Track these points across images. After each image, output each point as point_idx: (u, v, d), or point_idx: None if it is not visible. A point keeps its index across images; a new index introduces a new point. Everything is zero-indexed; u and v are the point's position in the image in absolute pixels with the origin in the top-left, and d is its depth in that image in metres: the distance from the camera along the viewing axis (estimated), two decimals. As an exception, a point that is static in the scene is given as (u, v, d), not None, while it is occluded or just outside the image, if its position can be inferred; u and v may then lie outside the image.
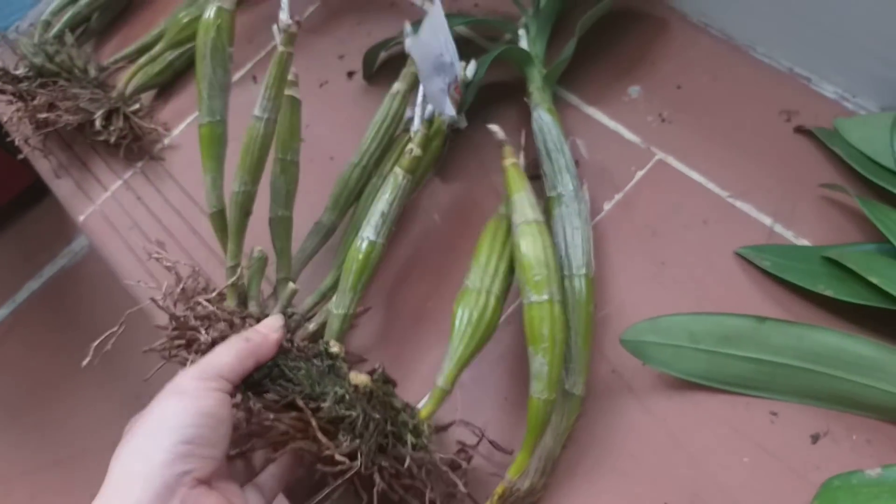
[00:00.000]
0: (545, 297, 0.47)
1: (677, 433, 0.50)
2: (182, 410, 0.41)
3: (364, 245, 0.54)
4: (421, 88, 0.61)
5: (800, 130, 0.58)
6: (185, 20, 0.76)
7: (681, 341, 0.49)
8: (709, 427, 0.49)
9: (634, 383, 0.52)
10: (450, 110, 0.61)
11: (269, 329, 0.48)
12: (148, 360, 0.52)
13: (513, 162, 0.53)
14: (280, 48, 0.57)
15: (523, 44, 0.65)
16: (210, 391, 0.42)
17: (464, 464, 0.51)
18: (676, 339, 0.49)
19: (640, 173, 0.59)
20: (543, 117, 0.60)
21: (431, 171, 0.66)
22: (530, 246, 0.49)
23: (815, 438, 0.48)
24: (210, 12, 0.56)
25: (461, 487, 0.48)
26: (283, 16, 0.57)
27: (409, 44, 0.62)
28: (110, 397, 1.44)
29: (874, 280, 0.47)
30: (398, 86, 0.65)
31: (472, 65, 0.64)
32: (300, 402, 0.46)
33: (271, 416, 0.45)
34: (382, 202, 0.56)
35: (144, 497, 0.38)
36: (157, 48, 0.78)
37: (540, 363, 0.46)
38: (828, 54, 0.58)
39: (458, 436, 0.51)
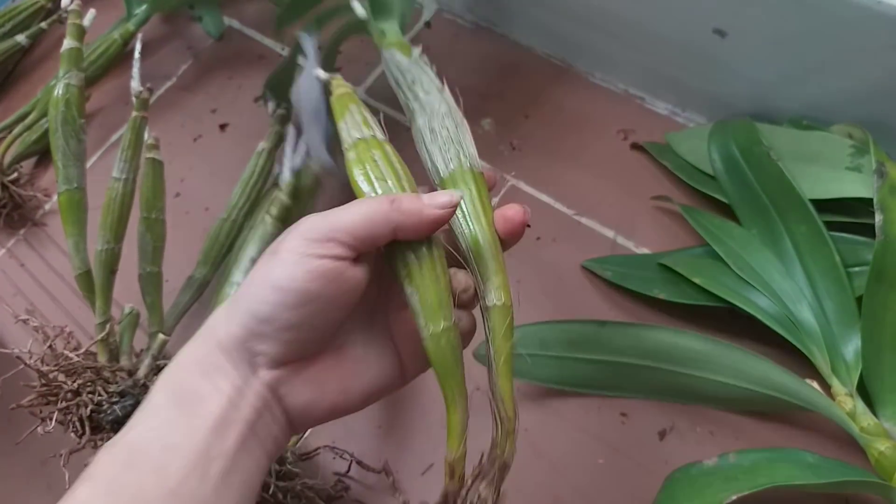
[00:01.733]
0: None
1: (539, 443, 0.52)
2: (260, 280, 0.32)
3: (234, 290, 0.56)
4: (290, 140, 0.63)
5: (635, 147, 0.62)
6: (56, 88, 0.77)
7: (533, 349, 0.52)
8: (566, 433, 0.52)
9: (496, 399, 0.54)
10: (325, 157, 0.64)
11: (430, 201, 0.33)
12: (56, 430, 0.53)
13: (343, 92, 0.43)
14: (134, 113, 0.59)
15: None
16: (306, 258, 0.31)
17: (343, 493, 0.53)
18: (528, 347, 0.52)
19: (494, 199, 0.63)
20: (395, 55, 0.52)
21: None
22: (359, 170, 0.36)
23: (662, 435, 0.51)
24: (59, 88, 0.58)
25: None
26: (135, 83, 0.60)
27: (293, 93, 0.64)
28: (13, 471, 1.40)
29: (698, 281, 0.50)
30: (263, 144, 0.67)
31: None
32: None
33: None
34: (252, 248, 0.58)
35: (222, 363, 0.32)
36: (32, 116, 0.79)
37: (410, 294, 0.34)
38: (656, 75, 0.62)
39: (335, 467, 0.53)
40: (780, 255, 0.50)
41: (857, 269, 0.48)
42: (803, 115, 0.55)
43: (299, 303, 0.31)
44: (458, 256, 0.37)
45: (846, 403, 0.45)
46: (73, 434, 0.52)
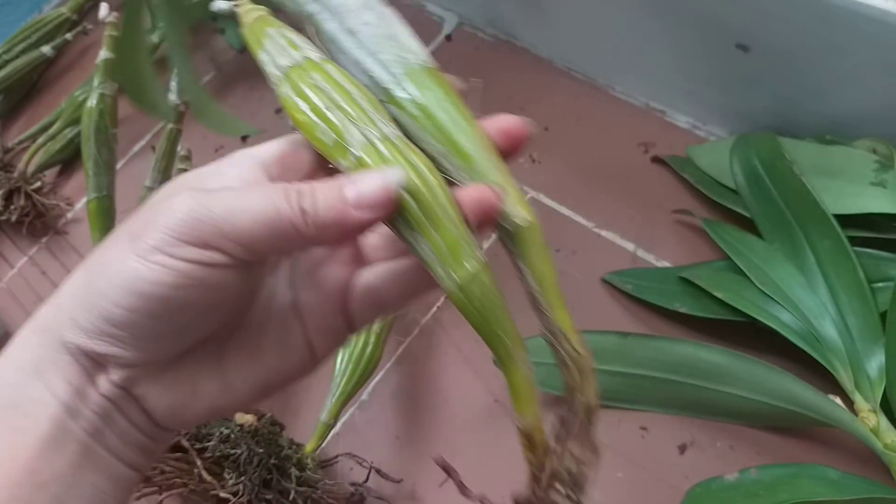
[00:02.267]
0: (352, 157, 0.27)
1: (557, 455, 0.52)
2: (115, 276, 0.25)
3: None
4: None
5: (656, 160, 0.62)
6: (81, 98, 0.78)
7: (551, 359, 0.52)
8: (585, 446, 0.52)
9: (515, 411, 0.54)
10: None
11: (354, 195, 0.25)
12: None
13: (255, 17, 0.33)
14: (170, 125, 0.60)
15: None
16: (175, 261, 0.24)
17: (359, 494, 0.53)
18: (548, 357, 0.51)
19: (514, 211, 0.63)
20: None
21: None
22: (303, 104, 0.28)
23: (682, 449, 0.50)
24: (93, 99, 0.59)
25: None
26: (172, 96, 0.61)
27: None
28: None
29: (719, 295, 0.50)
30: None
31: None
32: (185, 444, 0.48)
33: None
34: None
35: (60, 359, 0.26)
36: (56, 126, 0.80)
37: (413, 242, 0.27)
38: (677, 89, 0.62)
39: (352, 478, 0.53)
40: (803, 270, 0.50)
41: (881, 284, 0.48)
42: (826, 129, 0.55)
43: (164, 312, 0.25)
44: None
45: (869, 420, 0.45)
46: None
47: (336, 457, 0.53)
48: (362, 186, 0.25)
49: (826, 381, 0.47)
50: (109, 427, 0.26)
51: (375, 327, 0.56)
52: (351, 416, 0.58)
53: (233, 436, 0.50)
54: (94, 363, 0.26)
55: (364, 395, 0.59)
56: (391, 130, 0.28)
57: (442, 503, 0.53)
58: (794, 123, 0.57)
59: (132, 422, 0.27)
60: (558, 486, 0.27)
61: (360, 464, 0.52)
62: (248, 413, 0.53)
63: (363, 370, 0.54)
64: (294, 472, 0.50)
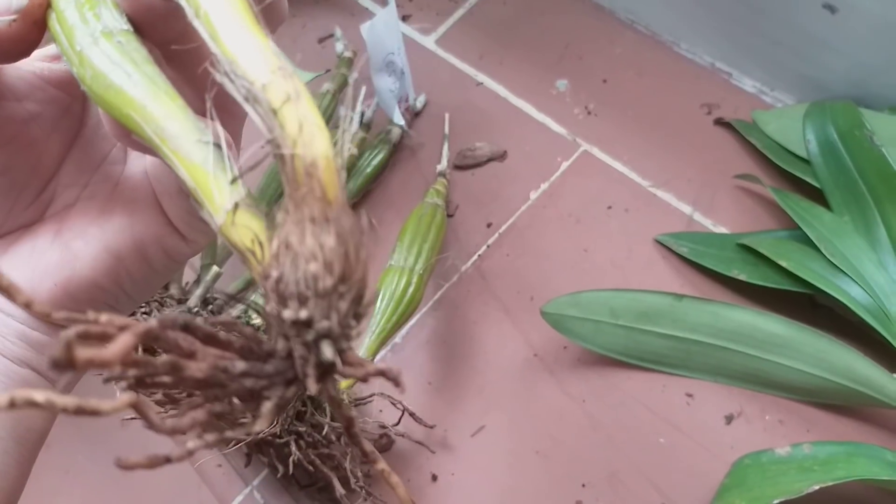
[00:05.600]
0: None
1: (596, 414, 0.50)
2: None
3: None
4: (364, 92, 0.61)
5: (719, 123, 0.59)
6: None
7: (601, 316, 0.50)
8: (626, 408, 0.50)
9: (555, 367, 0.52)
10: (399, 119, 0.62)
11: None
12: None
13: None
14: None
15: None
16: None
17: (389, 447, 0.51)
18: (597, 314, 0.50)
19: (565, 164, 0.60)
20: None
21: (374, 181, 0.65)
22: None
23: (729, 419, 0.49)
24: None
25: (380, 463, 0.48)
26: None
27: (366, 29, 0.62)
28: None
29: (784, 264, 0.48)
30: (328, 86, 0.65)
31: (423, 97, 0.65)
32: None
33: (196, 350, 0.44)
34: None
35: None
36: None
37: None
38: (747, 50, 0.59)
39: (382, 420, 0.51)
40: (875, 245, 0.48)
41: (956, 265, 0.46)
42: (906, 103, 0.52)
43: None
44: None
45: (935, 404, 0.43)
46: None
47: (370, 396, 0.51)
48: None
49: (889, 360, 0.45)
50: None
51: (418, 267, 0.53)
52: (383, 358, 0.56)
53: None
54: None
55: (398, 337, 0.57)
56: None
57: (473, 453, 0.51)
58: (872, 95, 0.54)
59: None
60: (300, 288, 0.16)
61: (395, 405, 0.50)
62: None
63: (404, 310, 0.52)
64: (329, 406, 0.48)
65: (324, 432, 0.48)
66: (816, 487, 0.39)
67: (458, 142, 0.63)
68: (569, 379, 0.52)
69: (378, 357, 0.55)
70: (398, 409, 0.51)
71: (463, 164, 0.62)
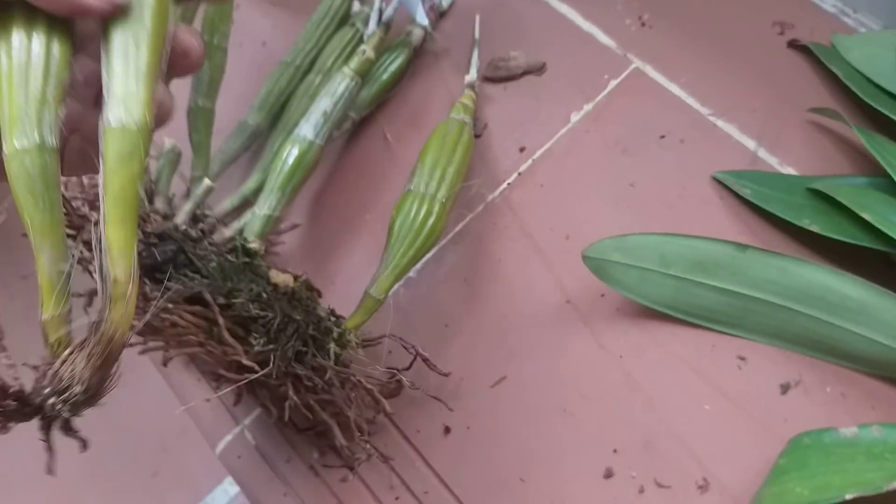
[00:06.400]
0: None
1: (634, 373, 0.45)
2: None
3: (300, 143, 0.48)
4: None
5: (793, 45, 0.51)
6: None
7: (649, 264, 0.44)
8: (669, 368, 0.44)
9: (591, 317, 0.46)
10: (422, 19, 0.54)
11: None
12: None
13: None
14: None
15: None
16: None
17: (397, 392, 0.46)
18: (645, 260, 0.44)
19: (613, 82, 0.53)
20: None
21: (391, 90, 0.57)
22: None
23: (784, 388, 0.43)
24: None
25: (386, 407, 0.43)
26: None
27: None
28: (13, 306, 1.33)
29: (867, 217, 0.42)
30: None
31: None
32: (207, 296, 0.40)
33: (170, 306, 0.38)
34: (325, 101, 0.50)
35: None
36: None
37: None
38: (832, -38, 0.51)
39: (390, 363, 0.45)
40: (976, 202, 0.41)
41: None
42: None
43: None
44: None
45: None
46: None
47: (380, 337, 0.45)
48: None
49: (980, 337, 0.40)
50: None
51: (441, 195, 0.47)
52: (395, 294, 0.50)
53: (265, 295, 0.42)
54: None
55: (413, 271, 0.51)
56: None
57: (492, 405, 0.46)
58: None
59: None
60: (50, 389, 0.26)
61: (407, 349, 0.45)
62: (283, 272, 0.45)
63: (423, 243, 0.46)
64: (333, 348, 0.43)
65: (326, 376, 0.42)
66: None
67: (489, 49, 0.55)
68: (605, 331, 0.46)
69: (391, 292, 0.49)
70: (410, 352, 0.45)
71: (494, 76, 0.54)
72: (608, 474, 0.43)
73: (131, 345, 0.43)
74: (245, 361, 0.41)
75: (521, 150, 0.52)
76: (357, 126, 0.55)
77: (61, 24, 0.27)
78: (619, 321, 0.46)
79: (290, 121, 0.53)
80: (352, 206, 0.54)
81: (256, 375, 0.40)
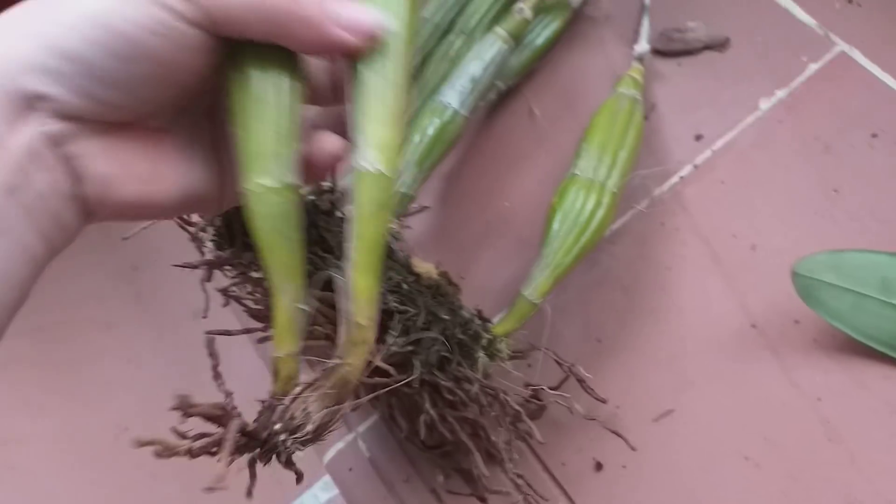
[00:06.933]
0: None
1: (834, 420, 0.37)
2: (73, 7, 0.23)
3: (442, 113, 0.41)
4: None
5: None
6: None
7: (868, 289, 0.36)
8: (878, 419, 0.37)
9: (781, 347, 0.39)
10: None
11: (340, 14, 0.26)
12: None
13: None
14: None
15: None
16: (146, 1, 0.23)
17: (540, 414, 0.39)
18: (864, 285, 0.36)
19: (813, 67, 0.44)
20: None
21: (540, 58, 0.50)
22: None
23: None
24: None
25: (536, 435, 0.37)
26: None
27: None
28: (103, 266, 1.29)
29: None
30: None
31: None
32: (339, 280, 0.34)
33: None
34: (474, 65, 0.43)
35: None
36: None
37: (233, 129, 0.27)
38: None
39: (531, 379, 0.39)
40: None
41: None
42: None
43: (127, 55, 0.23)
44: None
45: None
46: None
47: (531, 348, 0.38)
48: (352, 10, 0.26)
49: None
50: (27, 184, 0.23)
51: (612, 183, 0.40)
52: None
53: (405, 286, 0.35)
54: (16, 105, 0.23)
55: (558, 272, 0.43)
56: None
57: (654, 443, 0.38)
58: None
59: (55, 184, 0.24)
60: (281, 426, 0.27)
61: (561, 366, 0.38)
62: (426, 262, 0.38)
63: (590, 239, 0.39)
64: (482, 357, 0.36)
65: (471, 392, 0.35)
66: None
67: (660, 18, 0.47)
68: (799, 366, 0.38)
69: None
70: (564, 370, 0.38)
71: (667, 50, 0.46)
72: (799, 541, 0.35)
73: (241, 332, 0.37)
74: (378, 362, 0.34)
75: (698, 138, 0.44)
76: (500, 99, 0.48)
77: (294, 59, 0.26)
78: (816, 355, 0.38)
79: (427, 86, 0.46)
80: (489, 190, 0.47)
81: (395, 384, 0.33)
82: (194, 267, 0.38)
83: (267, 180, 0.25)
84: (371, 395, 0.34)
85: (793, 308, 0.38)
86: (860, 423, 0.37)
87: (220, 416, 0.26)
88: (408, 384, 0.35)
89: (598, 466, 0.39)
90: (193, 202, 0.28)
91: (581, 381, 0.38)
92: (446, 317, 0.35)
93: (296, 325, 0.27)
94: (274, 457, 0.27)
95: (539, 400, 0.39)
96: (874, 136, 0.42)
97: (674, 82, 0.46)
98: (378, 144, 0.26)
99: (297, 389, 0.27)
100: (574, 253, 0.38)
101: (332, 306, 0.35)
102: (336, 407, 0.27)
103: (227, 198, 0.29)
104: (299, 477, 0.29)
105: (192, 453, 0.25)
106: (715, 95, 0.45)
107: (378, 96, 0.26)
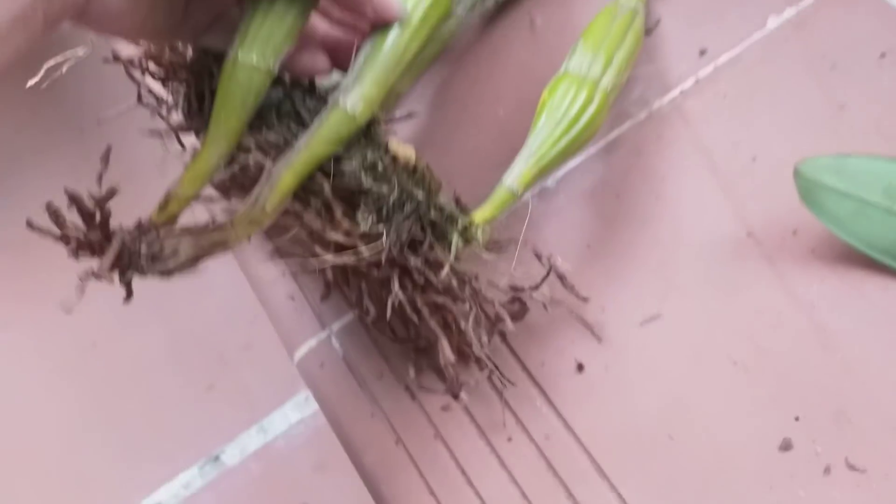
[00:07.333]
0: None
1: (829, 327, 0.35)
2: None
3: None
4: None
5: None
6: None
7: (871, 195, 0.34)
8: (875, 327, 0.35)
9: (778, 256, 0.37)
10: None
11: None
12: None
13: None
14: None
15: None
16: None
17: (522, 315, 0.38)
18: (867, 190, 0.34)
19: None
20: None
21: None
22: None
23: None
24: None
25: (508, 325, 0.35)
26: None
27: None
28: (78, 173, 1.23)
29: None
30: None
31: None
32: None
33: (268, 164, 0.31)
34: None
35: None
36: None
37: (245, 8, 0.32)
38: None
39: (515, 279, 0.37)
40: None
41: None
42: None
43: None
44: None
45: None
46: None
47: (508, 241, 0.37)
48: None
49: None
50: None
51: (605, 82, 0.38)
52: (525, 203, 0.41)
53: (381, 166, 0.34)
54: None
55: (549, 180, 0.42)
56: None
57: (639, 346, 0.37)
58: None
59: None
60: (146, 249, 0.28)
61: (540, 259, 0.36)
62: (405, 144, 0.37)
63: (578, 136, 0.38)
64: (456, 240, 0.34)
65: (442, 274, 0.34)
66: None
67: None
68: (795, 274, 0.37)
69: (524, 197, 0.40)
70: (543, 264, 0.36)
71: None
72: (786, 446, 0.34)
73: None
74: (344, 240, 0.33)
75: (702, 52, 0.43)
76: (499, 8, 0.47)
77: None
78: (814, 265, 0.37)
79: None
80: (482, 98, 0.46)
81: (360, 256, 0.32)
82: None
83: (256, 59, 0.30)
84: (333, 262, 0.33)
85: (792, 219, 0.37)
86: (857, 332, 0.35)
87: (92, 214, 0.29)
88: (377, 265, 0.34)
89: (580, 367, 0.37)
90: (153, 31, 0.32)
91: (562, 277, 0.36)
92: (420, 198, 0.34)
93: (206, 176, 0.30)
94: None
95: (520, 297, 0.38)
96: (883, 55, 0.41)
97: (680, -3, 0.45)
98: (365, 97, 0.32)
99: (178, 228, 0.29)
100: (560, 146, 0.37)
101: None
102: (201, 259, 0.29)
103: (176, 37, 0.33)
104: (128, 295, 0.30)
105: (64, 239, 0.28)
106: (722, 11, 0.44)
107: (383, 62, 0.32)
